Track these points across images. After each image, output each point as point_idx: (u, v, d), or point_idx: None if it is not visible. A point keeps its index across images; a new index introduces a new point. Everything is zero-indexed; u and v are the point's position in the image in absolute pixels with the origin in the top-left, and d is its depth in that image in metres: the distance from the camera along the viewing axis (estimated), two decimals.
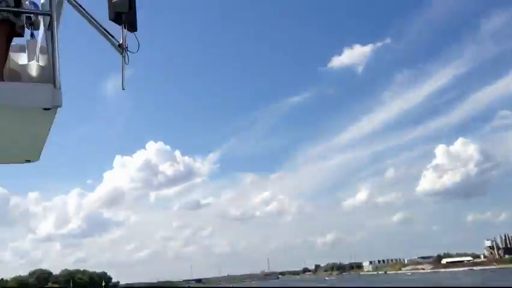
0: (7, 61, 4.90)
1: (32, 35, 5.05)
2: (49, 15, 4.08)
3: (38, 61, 4.92)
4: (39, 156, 5.56)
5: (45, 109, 4.08)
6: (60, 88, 4.06)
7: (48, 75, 4.36)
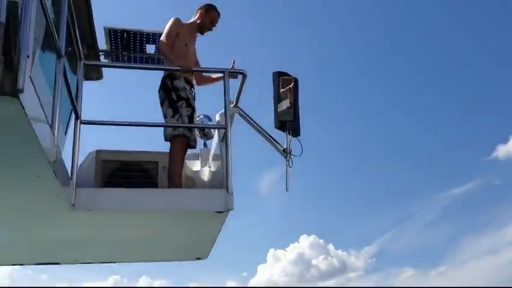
0: (184, 168, 5.43)
1: (205, 144, 5.57)
2: (224, 128, 4.53)
3: (210, 167, 5.38)
4: (208, 255, 5.90)
5: (218, 212, 4.40)
6: (232, 193, 4.37)
7: (219, 179, 4.73)
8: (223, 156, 4.57)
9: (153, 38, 6.09)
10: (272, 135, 5.17)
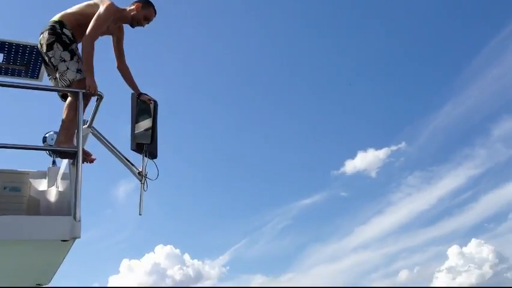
0: (29, 188, 4.95)
1: (53, 162, 5.15)
2: (75, 151, 4.17)
3: (58, 187, 4.97)
4: (50, 281, 5.47)
5: (63, 241, 4.06)
6: (79, 220, 4.04)
7: (67, 201, 4.38)
8: (72, 180, 4.22)
9: (1, 46, 5.50)
10: (128, 158, 4.94)
